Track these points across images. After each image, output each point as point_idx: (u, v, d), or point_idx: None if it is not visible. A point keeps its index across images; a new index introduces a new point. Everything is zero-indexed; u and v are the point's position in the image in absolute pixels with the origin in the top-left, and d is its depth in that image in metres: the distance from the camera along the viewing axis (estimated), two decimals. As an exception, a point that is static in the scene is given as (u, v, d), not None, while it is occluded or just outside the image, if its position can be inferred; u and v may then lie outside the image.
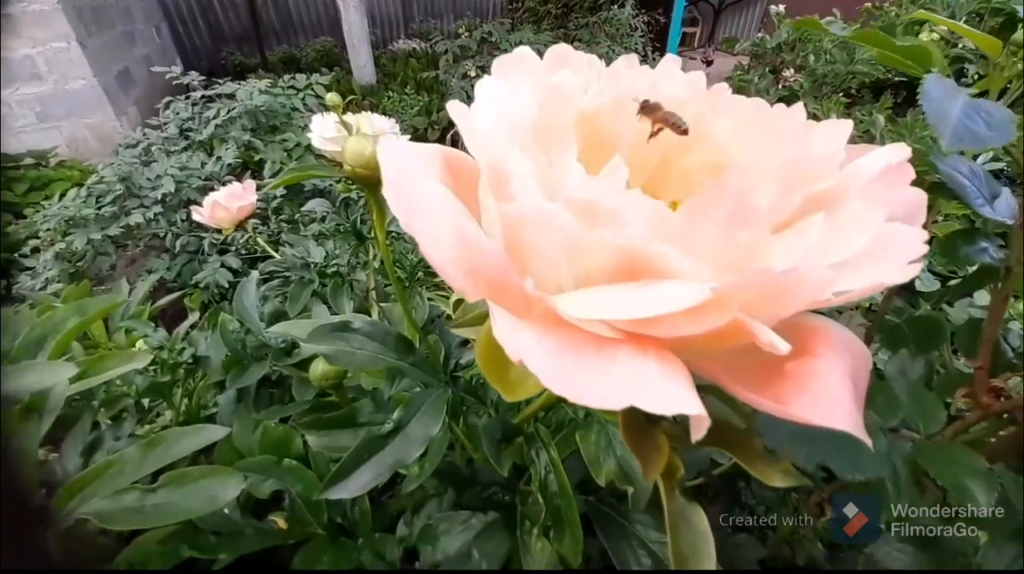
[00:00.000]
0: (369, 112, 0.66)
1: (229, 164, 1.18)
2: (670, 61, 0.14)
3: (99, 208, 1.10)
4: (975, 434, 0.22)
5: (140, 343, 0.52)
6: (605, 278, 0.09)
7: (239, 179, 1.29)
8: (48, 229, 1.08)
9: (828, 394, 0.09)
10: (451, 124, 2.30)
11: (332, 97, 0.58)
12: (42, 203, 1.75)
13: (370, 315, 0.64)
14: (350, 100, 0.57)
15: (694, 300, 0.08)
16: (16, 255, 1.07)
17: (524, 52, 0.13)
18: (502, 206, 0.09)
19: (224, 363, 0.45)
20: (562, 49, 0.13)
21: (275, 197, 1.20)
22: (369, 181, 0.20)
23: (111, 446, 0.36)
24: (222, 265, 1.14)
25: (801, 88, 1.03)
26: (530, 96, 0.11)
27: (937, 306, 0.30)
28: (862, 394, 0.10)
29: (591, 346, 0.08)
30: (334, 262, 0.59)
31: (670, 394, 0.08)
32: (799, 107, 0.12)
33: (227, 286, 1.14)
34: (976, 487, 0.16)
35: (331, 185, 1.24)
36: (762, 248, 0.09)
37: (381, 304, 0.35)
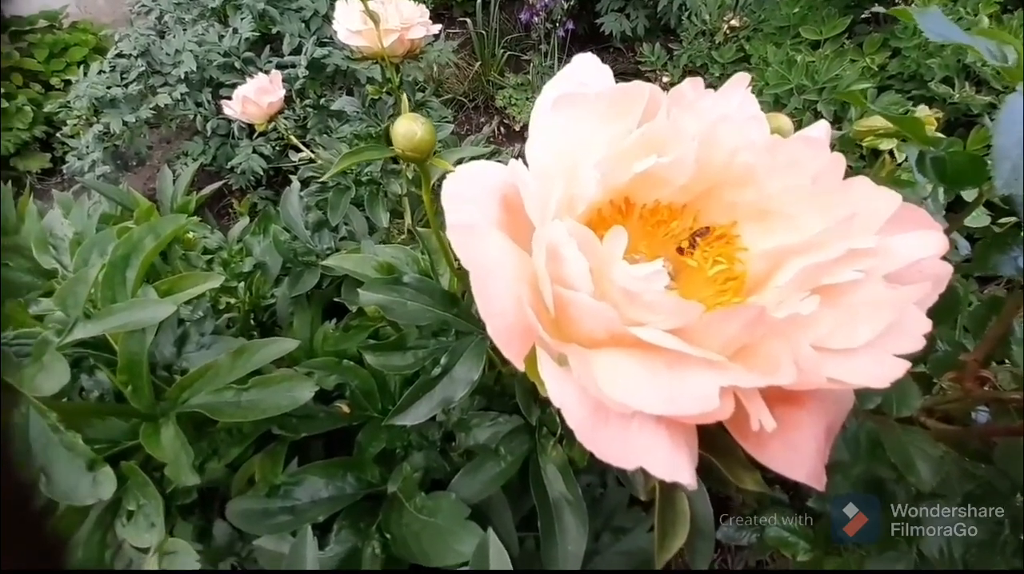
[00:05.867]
0: (396, -3, 0.60)
1: (247, 39, 1.10)
2: (740, 92, 0.13)
3: (126, 86, 1.08)
4: (951, 409, 0.25)
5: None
6: (635, 345, 0.11)
7: (258, 54, 1.22)
8: (81, 108, 1.09)
9: (803, 448, 0.12)
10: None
11: (357, -17, 0.52)
12: (65, 74, 1.71)
13: (404, 221, 0.67)
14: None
15: (701, 408, 0.10)
16: (60, 135, 1.09)
17: (584, 87, 0.13)
18: (556, 287, 0.11)
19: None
20: (626, 92, 0.13)
21: (297, 78, 1.14)
22: (418, 160, 0.21)
23: (198, 340, 0.43)
24: (254, 151, 1.14)
25: None
26: (592, 174, 0.12)
27: (975, 271, 0.30)
28: (832, 439, 0.12)
29: (616, 413, 0.11)
30: (367, 169, 0.60)
31: (673, 465, 0.11)
32: (860, 181, 0.12)
33: (261, 172, 1.16)
34: (923, 467, 0.20)
35: (352, 69, 1.17)
36: (773, 345, 0.11)
37: (419, 230, 0.37)
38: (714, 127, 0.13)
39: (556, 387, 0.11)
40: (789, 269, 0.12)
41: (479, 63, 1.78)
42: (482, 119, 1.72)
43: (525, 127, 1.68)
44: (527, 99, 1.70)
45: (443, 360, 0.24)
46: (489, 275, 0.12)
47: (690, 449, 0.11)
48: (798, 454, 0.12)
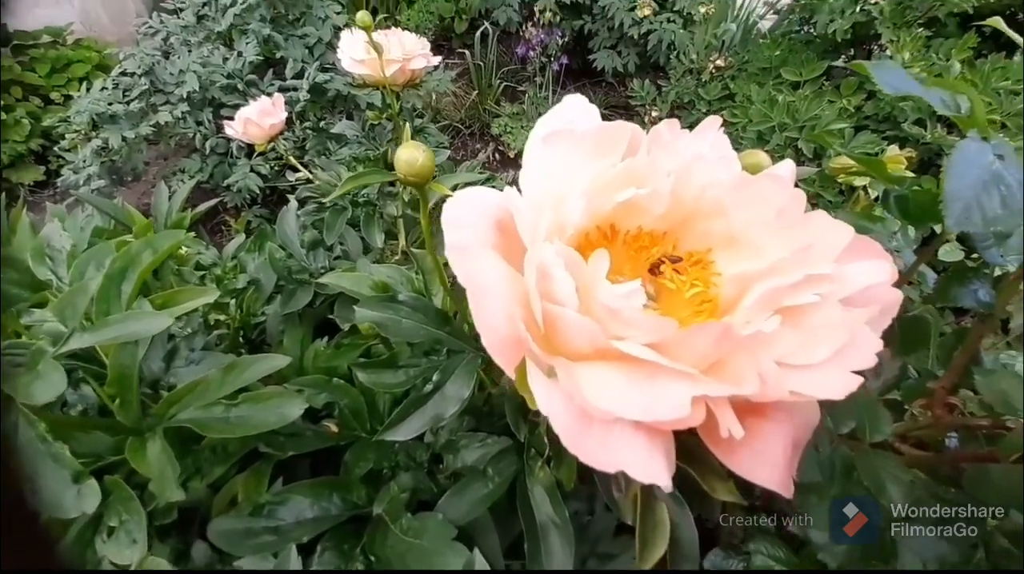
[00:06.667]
0: (399, 30, 0.63)
1: (251, 62, 1.13)
2: (712, 133, 0.15)
3: (127, 103, 1.10)
4: (924, 434, 0.26)
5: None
6: (617, 358, 0.12)
7: (261, 77, 1.25)
8: (80, 123, 1.10)
9: (769, 456, 0.12)
10: (479, 15, 2.08)
11: (363, 16, 0.55)
12: (66, 89, 1.73)
13: (398, 242, 0.68)
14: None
15: (676, 414, 0.11)
16: (57, 148, 1.10)
17: (573, 124, 0.14)
18: (545, 304, 0.12)
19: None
20: (610, 131, 0.14)
21: (299, 101, 1.17)
22: (418, 185, 0.22)
23: (187, 355, 0.43)
24: (251, 169, 1.16)
25: (881, 13, 0.90)
26: (577, 203, 0.13)
27: (936, 302, 0.32)
28: (799, 452, 0.13)
29: (599, 420, 0.12)
30: (364, 191, 0.61)
31: (650, 468, 0.11)
32: (819, 215, 0.14)
33: (257, 191, 1.17)
34: (894, 490, 0.21)
35: (353, 94, 1.20)
36: (740, 360, 0.12)
37: (413, 250, 0.38)
38: (688, 165, 0.15)
39: (544, 397, 0.12)
40: (754, 292, 0.14)
41: (476, 92, 1.84)
42: (478, 145, 1.76)
43: (519, 154, 1.73)
44: (522, 127, 1.75)
45: (435, 377, 0.25)
46: (484, 293, 0.12)
47: (667, 456, 0.12)
48: (765, 462, 0.13)
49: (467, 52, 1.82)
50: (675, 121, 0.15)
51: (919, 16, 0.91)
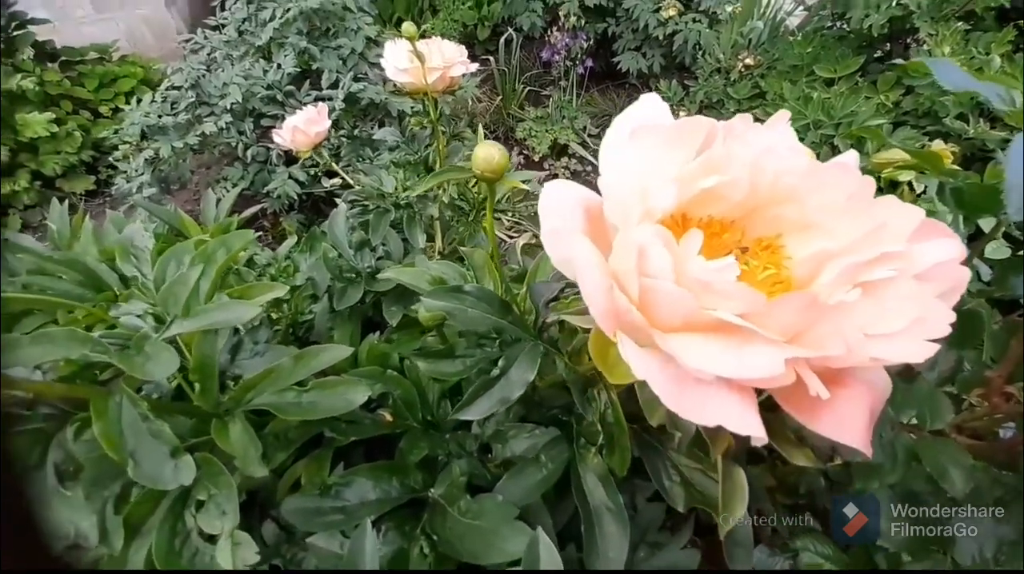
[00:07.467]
0: (438, 39, 0.65)
1: (289, 73, 1.18)
2: (782, 126, 0.16)
3: (175, 115, 1.16)
4: (979, 425, 0.26)
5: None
6: (707, 329, 0.14)
7: (298, 88, 1.30)
8: (132, 135, 1.16)
9: (850, 418, 0.14)
10: (502, 21, 2.11)
11: (408, 27, 0.58)
12: (113, 103, 1.83)
13: (435, 243, 0.70)
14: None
15: (770, 371, 0.12)
16: (111, 158, 1.17)
17: (656, 119, 0.16)
18: (642, 278, 0.14)
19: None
20: (689, 125, 0.16)
21: (334, 110, 1.22)
22: (493, 181, 0.24)
23: (251, 348, 0.46)
24: (290, 176, 1.20)
25: (919, 7, 0.89)
26: (669, 189, 0.14)
27: (994, 292, 0.32)
28: (875, 418, 0.14)
29: (694, 379, 0.13)
30: (405, 193, 0.64)
31: (746, 421, 0.13)
32: (889, 199, 0.15)
33: (295, 197, 1.22)
34: (956, 475, 0.21)
35: (386, 99, 1.24)
36: (824, 328, 0.13)
37: (462, 249, 0.40)
38: (762, 155, 0.16)
39: (640, 363, 0.13)
40: (831, 269, 0.15)
41: (500, 97, 1.86)
42: (502, 150, 1.79)
43: (544, 158, 1.75)
44: (546, 131, 1.77)
45: (500, 363, 0.27)
46: (585, 270, 0.14)
47: (755, 408, 0.13)
48: (847, 423, 0.14)
49: (491, 58, 1.85)
50: (748, 116, 0.16)
51: (956, 10, 0.89)
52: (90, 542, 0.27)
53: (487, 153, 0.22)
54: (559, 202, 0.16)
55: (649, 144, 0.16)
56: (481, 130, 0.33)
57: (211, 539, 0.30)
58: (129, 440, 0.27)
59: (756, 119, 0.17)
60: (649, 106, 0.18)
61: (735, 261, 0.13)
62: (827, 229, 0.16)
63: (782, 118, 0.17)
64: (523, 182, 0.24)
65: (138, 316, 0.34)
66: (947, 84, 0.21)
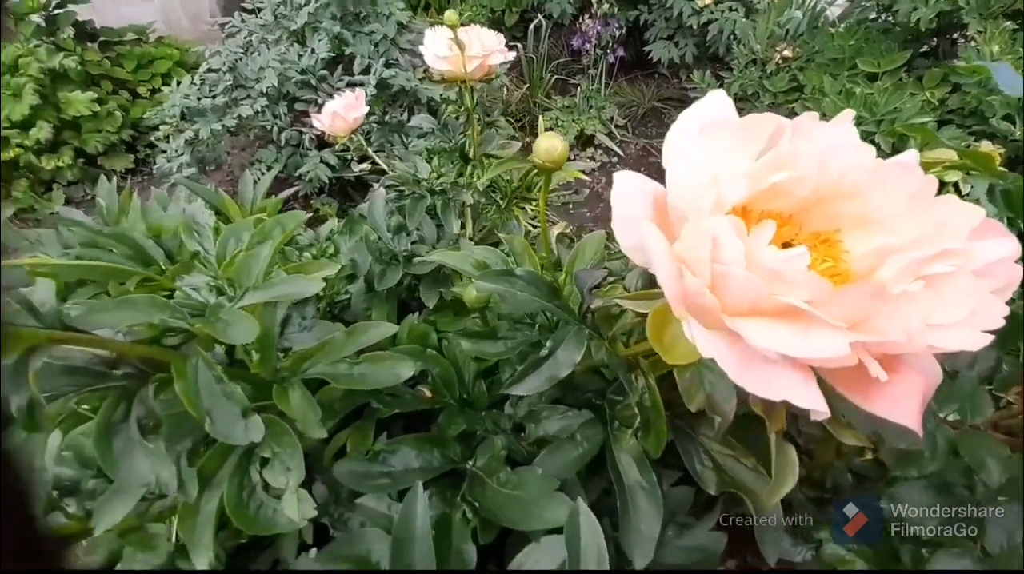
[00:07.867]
0: (477, 27, 0.66)
1: (322, 58, 1.20)
2: (846, 124, 0.17)
3: (213, 97, 1.19)
4: (1014, 422, 0.27)
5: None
6: (773, 314, 0.15)
7: (331, 73, 1.32)
8: (173, 116, 1.20)
9: (904, 399, 0.15)
10: (531, 7, 2.08)
11: (450, 15, 0.59)
12: (150, 84, 1.88)
13: (466, 230, 0.72)
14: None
15: (836, 353, 0.13)
16: (153, 138, 1.21)
17: (722, 115, 0.17)
18: (715, 265, 0.15)
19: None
20: (757, 122, 0.17)
21: (365, 96, 1.23)
22: (552, 170, 0.25)
23: (299, 323, 0.48)
24: (321, 160, 1.23)
25: (967, 3, 0.85)
26: (741, 182, 0.16)
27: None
28: (925, 403, 0.15)
29: (759, 357, 0.14)
30: (440, 180, 0.65)
31: (810, 396, 0.14)
32: (949, 198, 0.16)
33: (326, 181, 1.25)
34: (992, 466, 0.22)
35: (416, 86, 1.25)
36: (884, 316, 0.14)
37: (502, 235, 0.42)
38: (828, 151, 0.17)
39: (707, 343, 0.15)
40: (892, 264, 0.16)
41: (527, 85, 1.86)
42: (528, 139, 1.79)
43: (570, 148, 1.74)
44: (572, 120, 1.76)
45: (548, 344, 0.28)
46: (658, 256, 0.15)
47: (816, 386, 0.14)
48: (901, 404, 0.15)
49: (518, 45, 1.84)
50: (814, 113, 0.17)
51: (1004, 7, 0.86)
52: (170, 490, 0.29)
53: (550, 144, 0.23)
54: (630, 191, 0.17)
55: (719, 139, 0.17)
56: (476, 123, 0.35)
57: (273, 493, 0.33)
58: (205, 400, 0.30)
59: (793, 113, 0.18)
60: (716, 102, 0.19)
61: (806, 251, 0.15)
62: (888, 225, 0.17)
63: (846, 117, 0.18)
64: (581, 172, 0.25)
65: (194, 289, 0.36)
66: (1009, 89, 0.21)
